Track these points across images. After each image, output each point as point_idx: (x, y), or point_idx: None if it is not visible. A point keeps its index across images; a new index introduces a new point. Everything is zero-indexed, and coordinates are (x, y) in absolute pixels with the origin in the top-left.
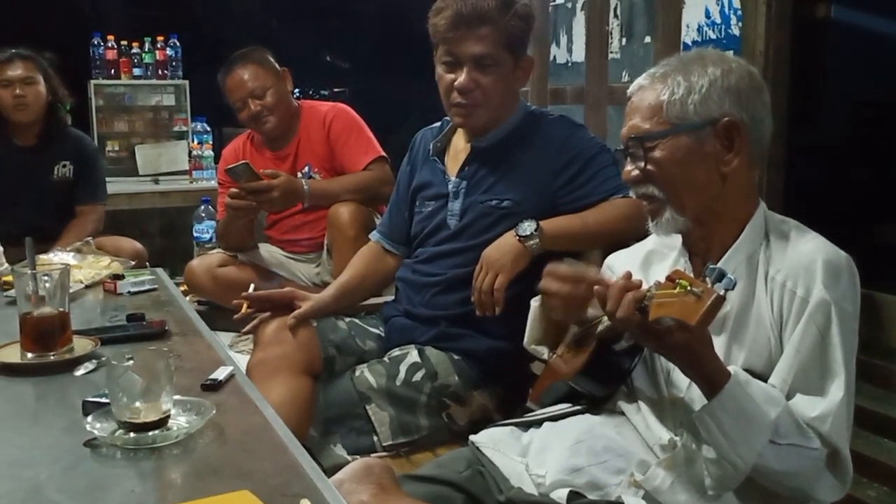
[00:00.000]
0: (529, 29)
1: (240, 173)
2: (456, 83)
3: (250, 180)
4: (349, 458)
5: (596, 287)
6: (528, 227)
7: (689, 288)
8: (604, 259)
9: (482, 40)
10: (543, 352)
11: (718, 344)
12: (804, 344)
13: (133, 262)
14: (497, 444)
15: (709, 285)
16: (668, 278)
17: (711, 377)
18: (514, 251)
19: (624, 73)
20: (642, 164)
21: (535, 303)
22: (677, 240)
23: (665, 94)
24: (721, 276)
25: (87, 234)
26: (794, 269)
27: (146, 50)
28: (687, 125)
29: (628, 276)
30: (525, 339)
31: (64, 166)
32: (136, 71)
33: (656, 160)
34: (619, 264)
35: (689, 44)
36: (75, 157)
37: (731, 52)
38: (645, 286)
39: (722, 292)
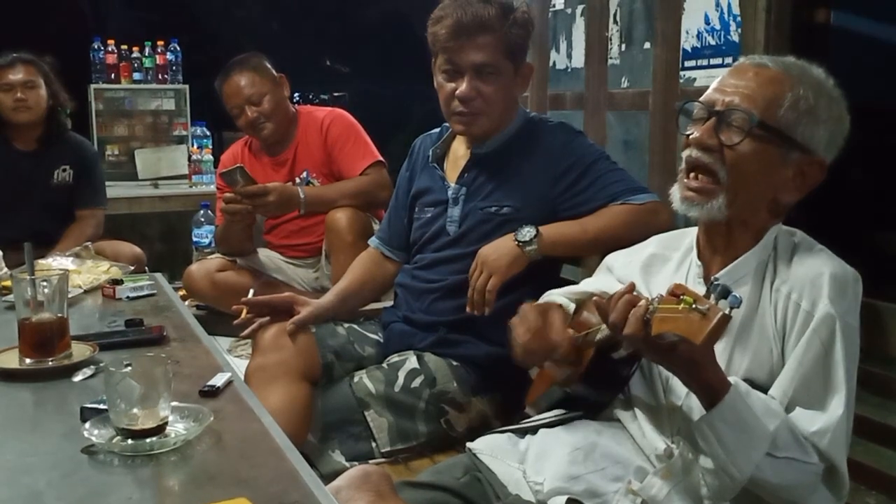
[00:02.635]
0: (529, 36)
1: (235, 177)
2: (457, 92)
3: (246, 184)
4: (347, 464)
5: (595, 298)
6: (527, 232)
7: (693, 304)
8: (601, 260)
9: (483, 49)
10: None
11: (720, 352)
12: (807, 357)
13: (132, 267)
14: (494, 450)
15: (713, 302)
16: (671, 292)
17: (712, 387)
18: (511, 255)
19: (623, 79)
20: (732, 142)
21: None
22: (681, 242)
23: (789, 99)
24: (726, 292)
25: (86, 238)
26: (801, 282)
27: (146, 54)
28: (791, 138)
29: (632, 287)
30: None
31: (64, 171)
32: (136, 75)
33: (746, 147)
34: (618, 264)
35: (689, 50)
36: (75, 162)
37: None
38: (644, 291)
39: (728, 311)
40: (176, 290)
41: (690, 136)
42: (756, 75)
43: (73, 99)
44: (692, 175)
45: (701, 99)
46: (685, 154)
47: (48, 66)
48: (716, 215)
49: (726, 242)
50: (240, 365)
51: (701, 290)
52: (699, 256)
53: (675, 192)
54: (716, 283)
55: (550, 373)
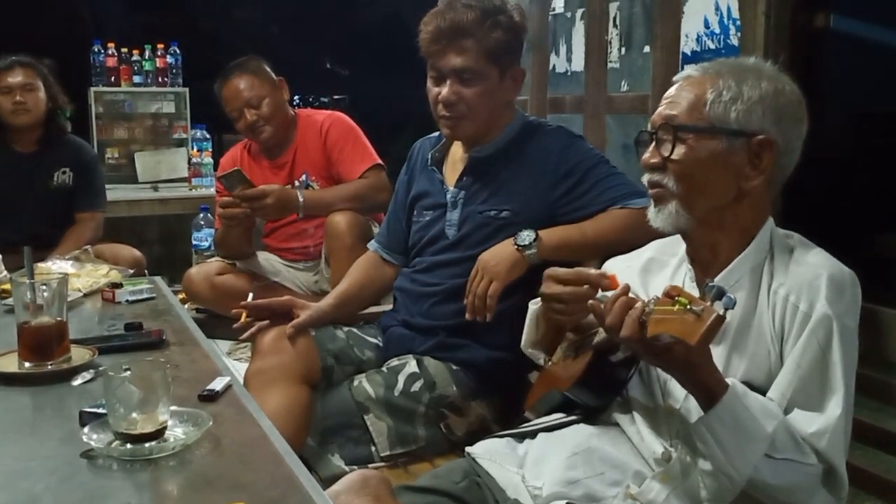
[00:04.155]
0: (516, 40)
1: (232, 180)
2: (440, 97)
3: (243, 187)
4: (347, 468)
5: (591, 302)
6: (526, 236)
7: (688, 306)
8: (601, 266)
9: (462, 53)
10: (540, 356)
11: (718, 355)
12: (805, 359)
13: (132, 271)
14: (493, 455)
15: (708, 303)
16: (667, 294)
17: (709, 389)
18: (511, 259)
19: (623, 83)
20: (667, 153)
21: (533, 305)
22: (679, 247)
23: (712, 93)
24: (720, 294)
25: (85, 241)
26: (798, 284)
27: (146, 57)
28: (724, 129)
29: (626, 289)
30: (522, 342)
31: (63, 173)
32: (136, 78)
33: (682, 153)
34: (617, 269)
35: (689, 53)
36: (75, 165)
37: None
38: (642, 295)
39: (722, 311)
40: (175, 293)
41: (641, 160)
42: (681, 87)
43: (71, 101)
44: (651, 189)
45: (648, 125)
46: (643, 179)
47: (47, 68)
48: (678, 221)
49: (713, 252)
50: (239, 368)
51: (696, 293)
52: (692, 263)
53: (651, 208)
54: (710, 284)
55: (550, 375)
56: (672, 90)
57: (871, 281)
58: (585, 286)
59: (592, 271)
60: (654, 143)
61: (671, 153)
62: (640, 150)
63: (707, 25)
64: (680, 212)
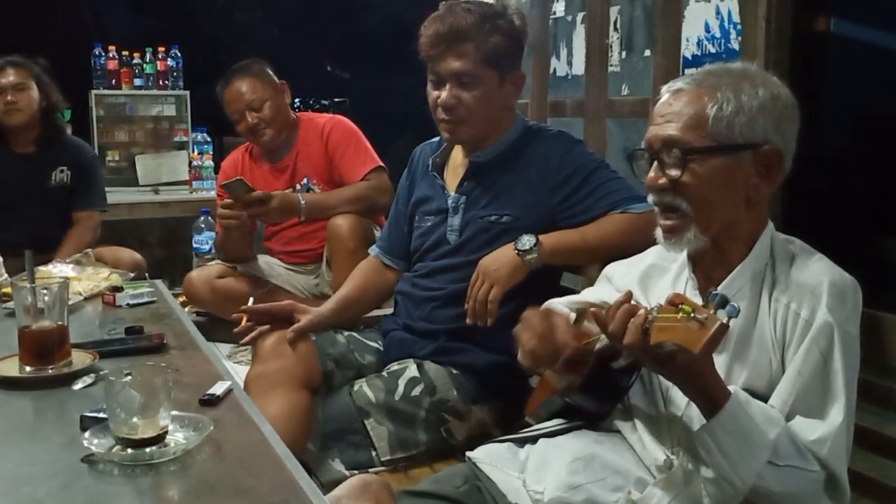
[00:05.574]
0: (515, 45)
1: (235, 189)
2: (439, 100)
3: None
4: (347, 472)
5: (592, 309)
6: (527, 241)
7: (692, 314)
8: (601, 270)
9: (461, 58)
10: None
11: (720, 363)
12: (806, 366)
13: (132, 274)
14: (494, 460)
15: (712, 311)
16: (670, 302)
17: (712, 396)
18: (512, 264)
19: (624, 86)
20: (675, 174)
21: None
22: (680, 253)
23: (713, 108)
24: (724, 302)
25: (85, 242)
26: (799, 291)
27: (147, 60)
28: (730, 145)
29: (629, 296)
30: (519, 353)
31: (61, 172)
32: (137, 81)
33: (692, 175)
34: (618, 274)
35: (689, 57)
36: (73, 164)
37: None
38: (643, 301)
39: (725, 320)
40: (176, 296)
41: (646, 181)
42: (676, 101)
43: (68, 101)
44: (663, 215)
45: (643, 142)
46: (649, 199)
47: (41, 67)
48: (697, 244)
49: (716, 258)
50: (239, 371)
51: (698, 300)
52: (694, 271)
53: (658, 233)
54: (714, 293)
55: (551, 381)
56: (665, 105)
57: (873, 285)
58: (550, 346)
59: (563, 331)
60: (656, 163)
61: (681, 176)
62: (636, 166)
63: (708, 29)
64: (699, 236)
